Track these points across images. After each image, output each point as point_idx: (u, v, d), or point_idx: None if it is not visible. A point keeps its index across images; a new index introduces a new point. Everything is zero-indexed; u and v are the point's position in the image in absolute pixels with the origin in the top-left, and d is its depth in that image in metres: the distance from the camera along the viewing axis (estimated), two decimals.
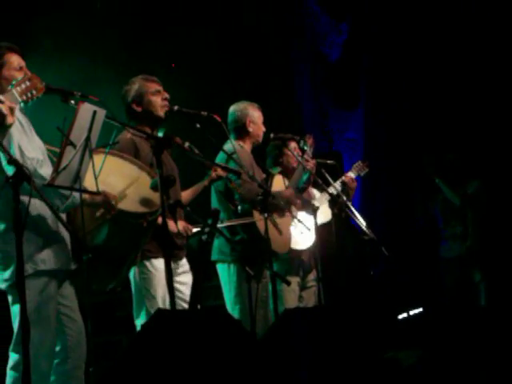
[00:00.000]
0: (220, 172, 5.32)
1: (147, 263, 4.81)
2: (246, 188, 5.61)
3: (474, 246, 7.51)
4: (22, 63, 4.07)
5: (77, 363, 4.02)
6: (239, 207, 5.63)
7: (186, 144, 4.97)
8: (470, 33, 8.91)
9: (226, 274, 5.79)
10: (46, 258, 3.90)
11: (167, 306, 4.73)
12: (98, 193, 3.95)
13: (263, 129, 6.08)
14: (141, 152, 4.83)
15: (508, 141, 8.71)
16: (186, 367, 3.43)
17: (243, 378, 3.63)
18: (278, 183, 6.05)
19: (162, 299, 4.81)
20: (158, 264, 4.81)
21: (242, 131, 6.00)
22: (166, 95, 5.03)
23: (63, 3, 7.02)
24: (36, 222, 3.85)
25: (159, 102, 4.99)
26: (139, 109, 4.98)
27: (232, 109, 6.05)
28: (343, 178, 6.59)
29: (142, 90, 5.00)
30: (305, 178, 6.16)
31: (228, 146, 5.62)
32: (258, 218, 5.61)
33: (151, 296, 4.83)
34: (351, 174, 6.70)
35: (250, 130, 6.00)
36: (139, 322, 4.87)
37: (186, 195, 5.34)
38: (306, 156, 6.10)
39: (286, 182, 6.17)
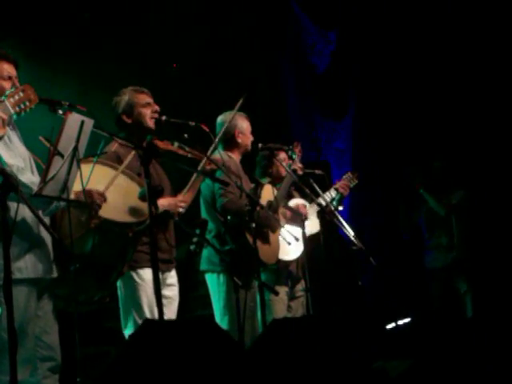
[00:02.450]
0: (213, 166, 5.26)
1: (133, 273, 4.80)
2: (230, 198, 5.62)
3: (459, 256, 7.53)
4: (13, 73, 4.04)
5: (46, 374, 3.98)
6: (229, 217, 5.63)
7: (176, 144, 4.95)
8: (456, 43, 8.95)
9: (215, 284, 5.78)
10: (23, 267, 3.86)
11: (155, 315, 4.74)
12: (84, 203, 3.95)
13: (251, 138, 6.09)
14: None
15: (493, 150, 8.76)
16: (174, 377, 3.43)
17: None
18: (267, 193, 6.05)
19: (148, 309, 4.80)
20: (144, 274, 4.80)
21: (230, 142, 6.00)
22: (157, 108, 5.03)
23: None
24: (16, 228, 3.80)
25: (149, 114, 4.99)
26: (129, 120, 4.98)
27: (220, 119, 6.03)
28: (337, 185, 6.60)
29: (132, 101, 5.00)
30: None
31: (216, 157, 5.61)
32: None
33: (138, 306, 4.82)
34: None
35: (239, 140, 6.01)
36: (127, 332, 4.85)
37: (188, 198, 5.28)
38: (293, 164, 6.11)
39: (275, 192, 6.17)
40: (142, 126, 4.96)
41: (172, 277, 5.08)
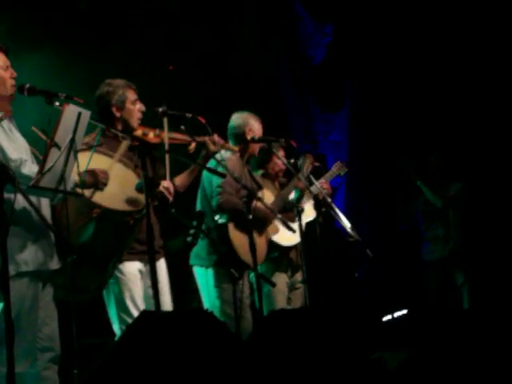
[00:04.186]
0: (217, 143, 5.25)
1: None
2: (226, 198, 5.66)
3: (456, 248, 7.53)
4: (8, 62, 4.05)
5: (46, 365, 3.99)
6: (217, 217, 5.67)
7: (182, 127, 4.96)
8: (451, 35, 8.94)
9: (203, 277, 5.85)
10: (29, 259, 3.88)
11: (139, 307, 4.84)
12: (81, 195, 3.96)
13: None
14: None
15: (489, 143, 8.76)
16: (171, 368, 3.43)
17: (229, 379, 3.63)
18: (267, 190, 6.13)
19: (132, 303, 4.86)
20: (125, 268, 4.85)
21: (239, 139, 6.02)
22: (143, 108, 5.06)
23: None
24: (19, 220, 3.83)
25: (137, 114, 5.04)
26: (118, 114, 4.99)
27: (234, 116, 6.12)
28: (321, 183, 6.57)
29: (124, 96, 5.02)
30: (295, 196, 6.23)
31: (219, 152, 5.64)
32: (234, 233, 5.69)
33: (120, 300, 4.87)
34: (326, 180, 6.73)
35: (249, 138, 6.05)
36: (116, 327, 4.94)
37: (181, 179, 5.30)
38: (300, 175, 6.10)
39: (270, 185, 6.22)
40: (127, 123, 4.99)
41: (160, 267, 5.05)
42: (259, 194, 6.00)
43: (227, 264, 5.43)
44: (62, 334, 4.11)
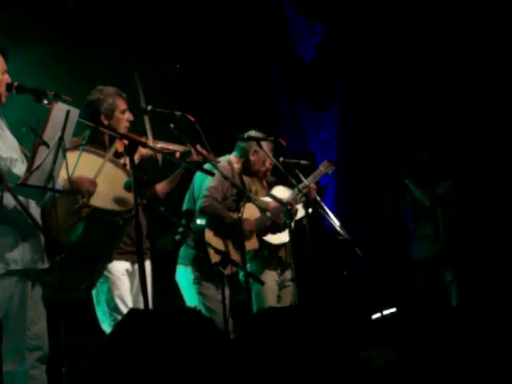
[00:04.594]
0: (200, 154, 5.31)
1: None
2: (210, 202, 5.71)
3: (444, 246, 7.56)
4: (5, 67, 4.02)
5: (34, 364, 3.99)
6: (198, 220, 5.69)
7: (171, 125, 4.99)
8: (440, 35, 8.97)
9: (182, 276, 5.95)
10: (18, 258, 3.87)
11: (129, 305, 4.93)
12: (72, 192, 3.95)
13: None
14: None
15: (478, 142, 8.78)
16: (159, 367, 3.43)
17: (217, 377, 3.63)
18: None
19: (120, 300, 4.94)
20: (112, 267, 4.92)
21: (244, 155, 6.19)
22: (131, 118, 5.09)
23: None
24: (8, 219, 3.82)
25: (125, 123, 5.07)
26: (106, 122, 5.01)
27: (251, 132, 6.08)
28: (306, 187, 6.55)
29: (114, 105, 5.05)
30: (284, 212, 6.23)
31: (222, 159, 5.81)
32: (210, 237, 5.74)
33: (110, 298, 4.95)
34: (315, 178, 6.73)
35: (252, 158, 6.17)
36: (105, 325, 5.01)
37: (161, 186, 5.36)
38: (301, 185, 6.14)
39: (258, 185, 6.27)
40: (114, 132, 4.99)
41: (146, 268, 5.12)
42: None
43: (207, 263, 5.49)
44: (50, 333, 4.11)
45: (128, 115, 5.07)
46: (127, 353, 3.42)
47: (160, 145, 5.09)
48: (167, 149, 5.18)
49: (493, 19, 8.61)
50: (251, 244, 6.05)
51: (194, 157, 5.25)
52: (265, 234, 6.22)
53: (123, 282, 4.98)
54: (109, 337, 3.77)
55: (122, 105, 5.06)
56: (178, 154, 5.21)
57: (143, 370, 3.40)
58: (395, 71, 9.15)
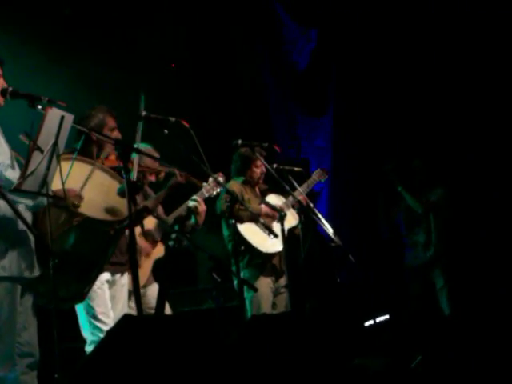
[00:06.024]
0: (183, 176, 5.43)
1: None
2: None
3: (437, 254, 7.56)
4: (0, 72, 4.02)
5: (24, 370, 3.98)
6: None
7: (165, 131, 5.01)
8: (435, 41, 8.98)
9: None
10: (7, 265, 3.86)
11: (107, 313, 5.07)
12: (64, 198, 3.94)
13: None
14: None
15: (471, 148, 8.80)
16: (152, 373, 3.43)
17: (211, 383, 3.63)
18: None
19: (98, 308, 5.06)
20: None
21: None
22: (119, 136, 5.12)
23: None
24: (0, 224, 3.82)
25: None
26: (94, 137, 5.01)
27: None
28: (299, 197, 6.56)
29: (103, 122, 5.09)
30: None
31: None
32: None
33: (91, 307, 5.05)
34: (308, 186, 6.77)
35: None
36: (86, 333, 5.13)
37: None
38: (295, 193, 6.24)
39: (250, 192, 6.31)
40: (101, 149, 5.02)
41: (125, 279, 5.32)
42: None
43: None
44: (43, 339, 4.10)
45: (116, 133, 5.10)
46: (119, 358, 3.41)
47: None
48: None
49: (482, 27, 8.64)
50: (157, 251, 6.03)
51: (178, 178, 5.42)
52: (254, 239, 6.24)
53: (104, 291, 5.11)
54: (101, 342, 3.77)
55: (111, 123, 5.11)
56: (162, 174, 5.31)
57: (135, 376, 3.40)
58: (390, 78, 9.15)
